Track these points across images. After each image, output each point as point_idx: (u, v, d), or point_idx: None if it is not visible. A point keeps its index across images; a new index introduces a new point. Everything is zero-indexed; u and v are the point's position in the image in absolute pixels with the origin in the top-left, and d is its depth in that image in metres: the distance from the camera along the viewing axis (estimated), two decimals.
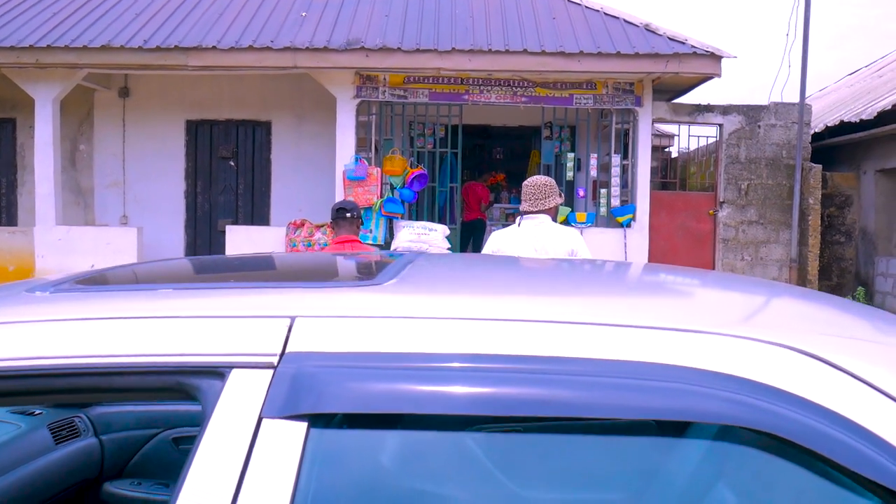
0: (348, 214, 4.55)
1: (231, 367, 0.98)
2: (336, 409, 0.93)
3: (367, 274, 1.45)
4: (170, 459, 2.17)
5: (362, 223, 5.71)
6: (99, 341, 1.02)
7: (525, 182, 4.21)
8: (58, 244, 9.52)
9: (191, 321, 1.04)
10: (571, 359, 0.96)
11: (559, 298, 1.25)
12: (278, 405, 0.94)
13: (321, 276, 1.46)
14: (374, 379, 0.95)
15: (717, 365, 0.95)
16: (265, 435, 0.92)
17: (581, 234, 8.83)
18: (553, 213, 4.12)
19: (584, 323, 1.02)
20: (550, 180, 4.21)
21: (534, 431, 1.02)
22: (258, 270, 1.72)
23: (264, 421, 0.94)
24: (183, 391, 0.99)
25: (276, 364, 0.97)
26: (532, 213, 4.07)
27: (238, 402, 0.95)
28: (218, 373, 0.98)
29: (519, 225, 4.10)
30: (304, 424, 0.93)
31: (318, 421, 0.94)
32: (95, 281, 1.42)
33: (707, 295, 1.48)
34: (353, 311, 1.08)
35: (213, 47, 9.05)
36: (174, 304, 1.14)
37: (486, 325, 1.02)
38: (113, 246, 9.56)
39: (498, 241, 4.13)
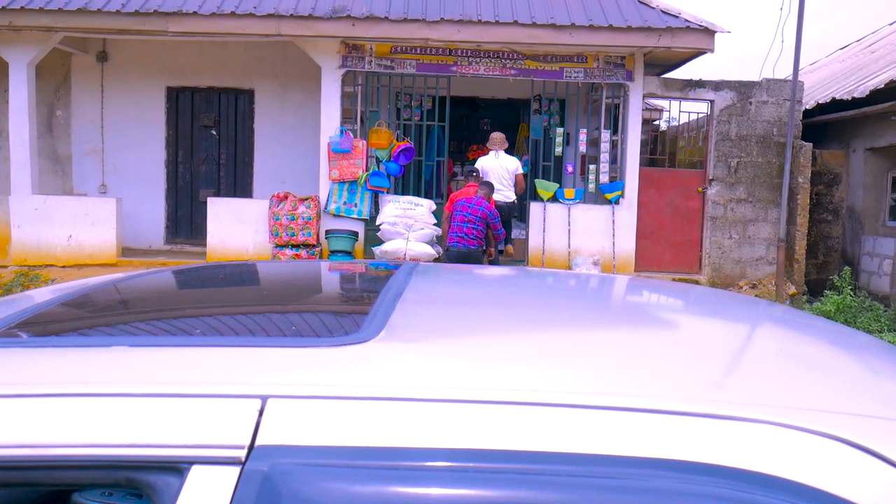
0: (474, 174, 8.61)
1: (191, 462, 0.85)
2: None
3: (351, 319, 1.32)
4: None
5: (481, 179, 8.61)
6: (36, 426, 0.88)
7: (492, 135, 9.24)
8: (34, 214, 9.29)
9: (146, 402, 0.91)
10: (595, 457, 0.85)
11: (578, 364, 1.12)
12: None
13: (297, 325, 1.33)
14: (361, 484, 0.83)
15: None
16: None
17: (569, 210, 8.84)
18: (506, 149, 9.15)
19: (612, 408, 0.91)
20: (503, 134, 9.27)
21: None
22: (228, 304, 1.58)
23: None
24: (134, 488, 0.86)
25: (243, 460, 0.85)
26: (498, 150, 8.92)
27: None
28: (176, 469, 0.85)
29: (497, 156, 8.92)
30: None
31: None
32: (41, 322, 1.28)
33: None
34: (334, 385, 0.95)
35: (194, 13, 8.75)
36: (127, 370, 1.01)
37: (489, 411, 0.90)
38: (91, 217, 9.34)
39: (482, 162, 8.91)
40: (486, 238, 7.70)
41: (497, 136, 9.18)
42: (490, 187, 8.00)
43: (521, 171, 9.11)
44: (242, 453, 0.85)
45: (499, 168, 8.84)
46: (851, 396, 1.08)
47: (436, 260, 8.21)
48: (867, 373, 1.29)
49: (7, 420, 0.90)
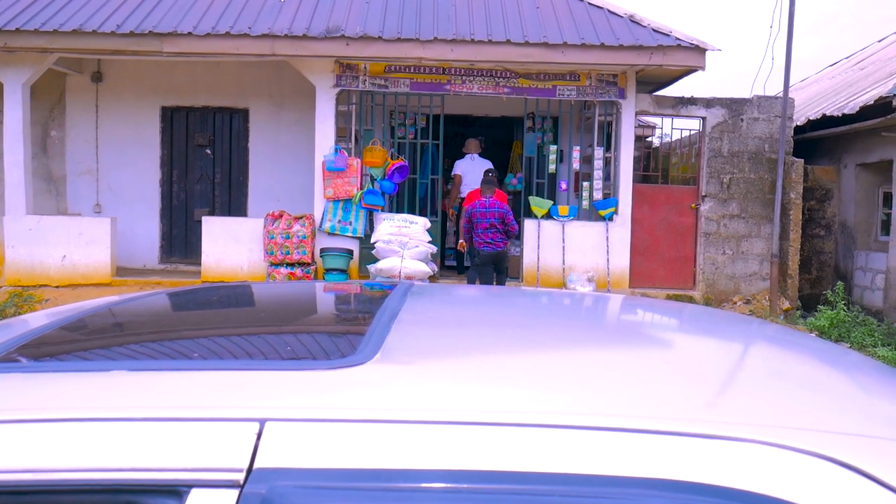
0: (490, 175, 9.09)
1: (190, 485, 0.86)
2: None
3: (347, 341, 1.34)
4: None
5: (499, 181, 9.79)
6: (36, 451, 0.89)
7: (468, 141, 10.35)
8: (28, 234, 9.28)
9: (145, 426, 0.92)
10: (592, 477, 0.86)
11: (572, 385, 1.13)
12: None
13: (294, 348, 1.34)
14: None
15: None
16: None
17: (563, 227, 8.86)
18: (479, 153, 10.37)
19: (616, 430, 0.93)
20: (477, 140, 10.39)
21: None
22: (225, 327, 1.59)
23: None
24: None
25: (242, 483, 0.86)
26: (474, 153, 10.12)
27: None
28: (175, 492, 0.86)
29: (473, 159, 10.05)
30: None
31: None
32: (39, 347, 1.29)
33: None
34: (331, 408, 0.96)
35: (189, 33, 8.80)
36: (126, 394, 1.02)
37: (484, 433, 0.91)
38: (86, 236, 9.33)
39: (460, 166, 10.05)
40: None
41: (472, 141, 10.34)
42: (491, 185, 8.65)
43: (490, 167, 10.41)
44: (241, 476, 0.86)
45: (475, 170, 9.73)
46: (841, 415, 1.10)
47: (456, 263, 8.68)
48: (857, 391, 1.31)
49: (7, 445, 0.90)
